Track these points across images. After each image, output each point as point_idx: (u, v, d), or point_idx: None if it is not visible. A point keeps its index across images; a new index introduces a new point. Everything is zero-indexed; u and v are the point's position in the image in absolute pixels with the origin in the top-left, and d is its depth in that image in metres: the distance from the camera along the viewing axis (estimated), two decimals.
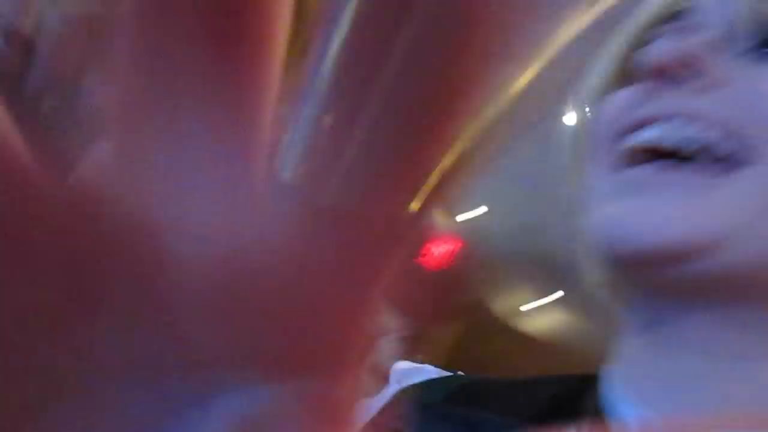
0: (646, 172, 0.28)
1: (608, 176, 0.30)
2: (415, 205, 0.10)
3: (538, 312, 5.18)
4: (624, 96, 0.31)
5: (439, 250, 3.68)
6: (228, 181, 0.10)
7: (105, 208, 0.09)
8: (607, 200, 0.29)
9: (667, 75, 0.28)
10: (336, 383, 0.11)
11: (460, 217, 4.10)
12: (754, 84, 0.28)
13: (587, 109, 0.34)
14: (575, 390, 0.33)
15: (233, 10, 0.09)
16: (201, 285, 0.10)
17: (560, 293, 4.74)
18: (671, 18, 0.31)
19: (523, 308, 5.20)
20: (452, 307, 4.22)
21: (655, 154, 0.28)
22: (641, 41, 0.32)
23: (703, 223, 0.26)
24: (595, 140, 0.31)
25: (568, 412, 0.34)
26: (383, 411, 0.38)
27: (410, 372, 0.65)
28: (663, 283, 0.27)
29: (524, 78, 0.11)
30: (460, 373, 0.66)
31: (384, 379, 0.72)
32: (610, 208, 0.28)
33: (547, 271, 4.04)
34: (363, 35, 0.10)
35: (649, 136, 0.28)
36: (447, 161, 0.10)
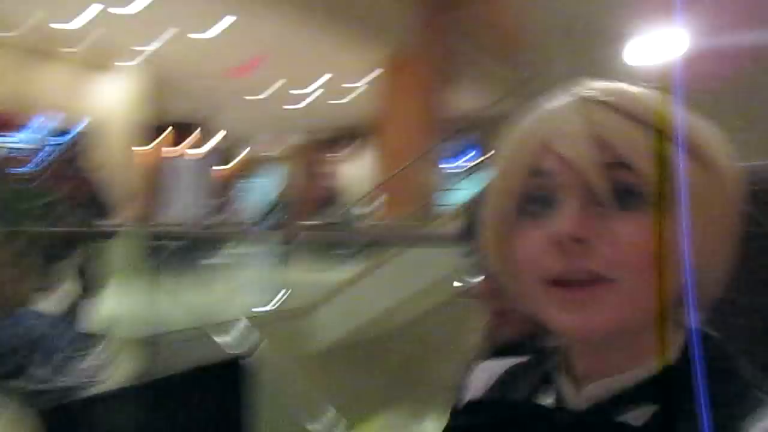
0: (578, 294, 0.49)
1: (544, 288, 0.51)
2: None
3: None
4: (538, 247, 0.50)
5: None
6: None
7: None
8: (559, 311, 0.51)
9: (565, 242, 0.48)
10: None
11: None
12: (613, 233, 0.48)
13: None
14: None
15: None
16: None
17: None
18: (540, 174, 0.50)
19: None
20: None
21: (566, 282, 0.50)
22: (521, 187, 0.52)
23: (607, 322, 0.50)
24: (526, 269, 0.52)
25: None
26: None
27: None
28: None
29: None
30: None
31: None
32: (566, 318, 0.50)
33: None
34: None
35: (570, 273, 0.50)
36: None
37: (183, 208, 10.30)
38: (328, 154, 18.25)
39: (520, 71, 7.48)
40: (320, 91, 12.20)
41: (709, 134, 0.50)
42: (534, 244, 0.50)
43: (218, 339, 4.13)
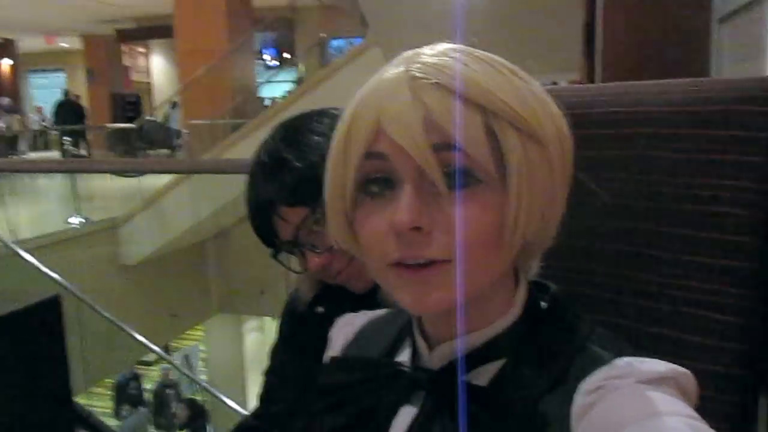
0: (419, 275, 0.48)
1: (386, 268, 0.50)
2: None
3: None
4: (379, 233, 0.49)
5: None
6: None
7: None
8: (403, 290, 0.49)
9: (405, 231, 0.47)
10: None
11: None
12: (447, 216, 0.47)
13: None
14: None
15: None
16: None
17: None
18: (375, 156, 0.48)
19: None
20: None
21: (404, 264, 0.49)
22: (360, 169, 0.50)
23: (446, 298, 0.49)
24: (370, 252, 0.51)
25: None
26: None
27: None
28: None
29: None
30: None
31: None
32: (410, 296, 0.49)
33: None
34: None
35: (411, 259, 0.48)
36: None
37: None
38: (131, 47, 16.89)
39: None
40: None
41: (539, 108, 0.49)
42: (374, 228, 0.49)
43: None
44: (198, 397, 6.90)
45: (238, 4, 9.59)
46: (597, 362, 0.50)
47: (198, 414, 6.87)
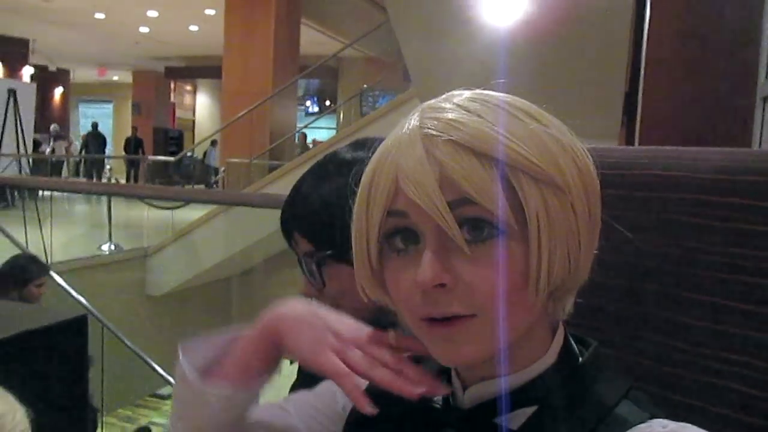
0: (447, 330, 0.49)
1: (416, 322, 0.51)
2: None
3: None
4: (406, 289, 0.50)
5: None
6: None
7: None
8: (434, 343, 0.50)
9: (429, 289, 0.48)
10: None
11: None
12: (471, 273, 0.48)
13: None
14: None
15: None
16: None
17: None
18: (396, 214, 0.49)
19: None
20: None
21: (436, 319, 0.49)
22: (382, 228, 0.51)
23: (476, 352, 0.50)
24: (401, 306, 0.52)
25: None
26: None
27: None
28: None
29: None
30: None
31: None
32: (441, 349, 0.50)
33: None
34: None
35: (437, 315, 0.49)
36: None
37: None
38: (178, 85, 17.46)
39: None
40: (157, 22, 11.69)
41: (559, 152, 0.49)
42: (402, 285, 0.50)
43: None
44: None
45: (285, 51, 9.89)
46: (631, 420, 0.49)
47: None
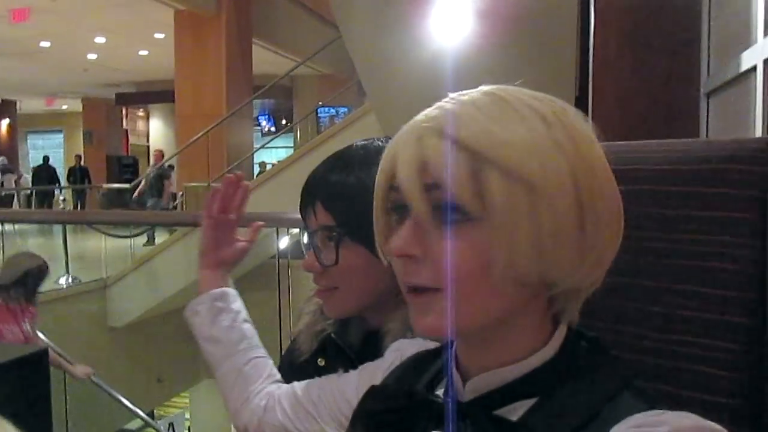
0: (419, 299, 0.54)
1: (407, 294, 0.55)
2: None
3: None
4: (395, 259, 0.55)
5: None
6: None
7: None
8: (411, 312, 0.55)
9: (403, 257, 0.54)
10: None
11: None
12: (436, 250, 0.52)
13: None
14: None
15: None
16: None
17: None
18: (394, 189, 0.55)
19: None
20: None
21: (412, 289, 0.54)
22: (388, 195, 0.57)
23: (436, 324, 0.53)
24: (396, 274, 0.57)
25: None
26: None
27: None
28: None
29: None
30: None
31: None
32: (413, 318, 0.55)
33: None
34: None
35: (409, 284, 0.54)
36: None
37: None
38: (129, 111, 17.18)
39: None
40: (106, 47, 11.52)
41: (547, 153, 0.51)
42: (392, 252, 0.55)
43: None
44: None
45: (237, 71, 9.84)
46: (632, 409, 0.50)
47: None
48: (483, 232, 0.50)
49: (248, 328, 0.95)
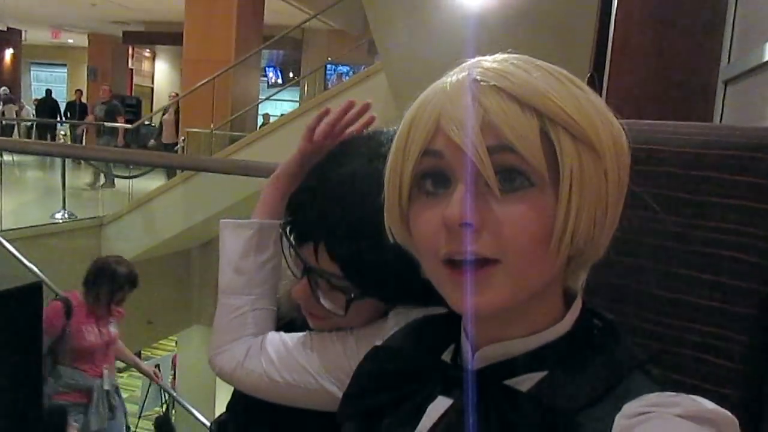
0: (465, 277, 0.49)
1: (439, 267, 0.50)
2: None
3: None
4: (432, 227, 0.50)
5: None
6: None
7: None
8: (452, 290, 0.50)
9: (452, 226, 0.48)
10: None
11: None
12: (499, 217, 0.48)
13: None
14: None
15: None
16: None
17: None
18: (433, 154, 0.50)
19: None
20: None
21: (456, 262, 0.50)
22: (417, 167, 0.51)
23: (495, 300, 0.50)
24: (423, 247, 0.52)
25: None
26: None
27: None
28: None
29: None
30: None
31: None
32: (459, 296, 0.50)
33: None
34: None
35: (459, 254, 0.49)
36: None
37: None
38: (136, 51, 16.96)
39: None
40: None
41: (597, 118, 0.50)
42: (428, 223, 0.51)
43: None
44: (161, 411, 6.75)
45: (248, 19, 9.68)
46: (643, 389, 0.50)
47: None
48: (548, 198, 0.48)
49: (274, 273, 0.86)
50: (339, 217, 0.70)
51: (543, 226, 0.49)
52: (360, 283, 0.71)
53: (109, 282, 3.17)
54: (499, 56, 0.53)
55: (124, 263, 3.30)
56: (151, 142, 9.18)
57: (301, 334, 0.81)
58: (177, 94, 10.41)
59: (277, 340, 0.82)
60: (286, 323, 0.87)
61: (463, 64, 0.53)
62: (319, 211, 0.72)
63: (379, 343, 0.68)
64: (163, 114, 9.38)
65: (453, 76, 0.52)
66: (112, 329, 3.29)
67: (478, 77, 0.50)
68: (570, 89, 0.50)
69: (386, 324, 0.73)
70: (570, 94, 0.50)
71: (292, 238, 0.75)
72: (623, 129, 0.53)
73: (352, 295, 0.72)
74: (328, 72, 12.48)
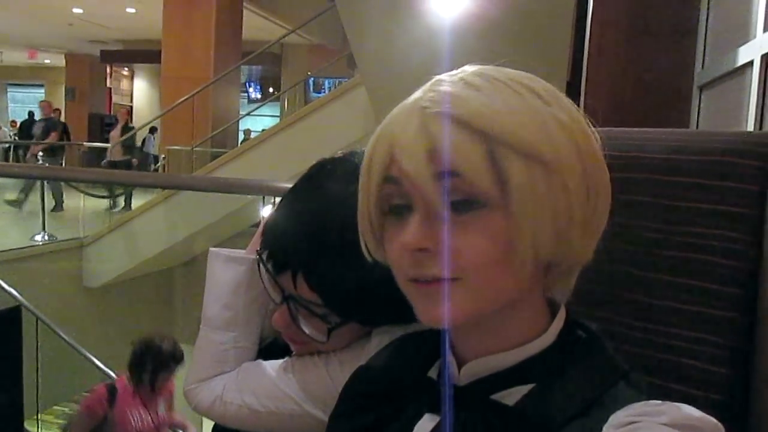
0: (429, 289, 0.51)
1: (406, 284, 0.52)
2: None
3: None
4: (397, 251, 0.52)
5: None
6: None
7: None
8: (419, 302, 0.52)
9: (414, 251, 0.50)
10: None
11: None
12: (455, 240, 0.49)
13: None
14: None
15: None
16: None
17: None
18: (391, 180, 0.51)
19: None
20: None
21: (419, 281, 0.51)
22: (380, 193, 0.53)
23: (457, 314, 0.50)
24: (393, 266, 0.54)
25: None
26: None
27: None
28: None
29: None
30: None
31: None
32: (423, 308, 0.52)
33: None
34: None
35: (421, 276, 0.51)
36: None
37: None
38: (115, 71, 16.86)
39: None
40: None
41: (556, 130, 0.50)
42: (394, 248, 0.52)
43: None
44: None
45: (227, 36, 9.67)
46: (630, 398, 0.50)
47: None
48: (501, 217, 0.49)
49: (261, 311, 0.83)
50: (316, 246, 0.68)
51: (498, 244, 0.49)
52: (341, 310, 0.70)
53: (153, 361, 2.98)
54: (458, 73, 0.53)
55: (168, 340, 3.09)
56: (104, 161, 9.06)
57: (281, 360, 0.79)
58: (129, 111, 10.26)
59: (256, 369, 0.80)
60: (269, 343, 0.85)
61: (425, 84, 0.54)
62: (296, 241, 0.70)
63: (363, 362, 0.67)
64: (110, 130, 9.27)
65: (409, 99, 0.53)
66: (161, 410, 3.09)
67: (426, 104, 0.51)
68: (528, 102, 0.50)
69: (369, 343, 0.72)
70: (527, 108, 0.50)
71: (269, 266, 0.73)
72: (598, 137, 0.53)
73: (334, 323, 0.70)
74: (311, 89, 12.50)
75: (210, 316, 0.82)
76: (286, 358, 0.80)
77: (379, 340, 0.71)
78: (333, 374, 0.73)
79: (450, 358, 0.58)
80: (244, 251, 0.83)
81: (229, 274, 0.81)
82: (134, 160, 9.11)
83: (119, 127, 9.41)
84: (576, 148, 0.50)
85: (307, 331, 0.72)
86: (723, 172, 0.61)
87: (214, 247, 0.87)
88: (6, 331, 1.48)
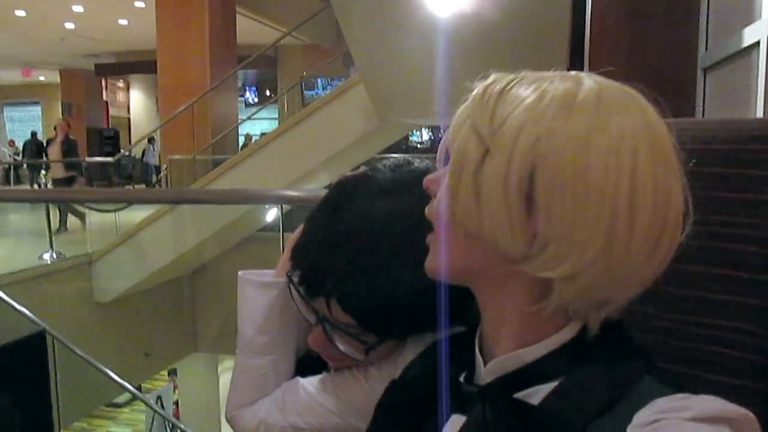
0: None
1: None
2: None
3: None
4: None
5: None
6: None
7: None
8: None
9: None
10: None
11: None
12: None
13: None
14: None
15: None
16: None
17: None
18: None
19: None
20: None
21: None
22: None
23: (430, 264, 0.57)
24: None
25: None
26: None
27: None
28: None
29: None
30: None
31: None
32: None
33: None
34: None
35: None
36: None
37: None
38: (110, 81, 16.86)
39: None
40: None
41: (515, 122, 0.51)
42: None
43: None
44: None
45: (221, 42, 9.67)
46: (654, 394, 0.50)
47: None
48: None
49: (297, 331, 0.82)
50: (349, 270, 0.67)
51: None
52: (377, 331, 0.70)
53: None
54: (518, 77, 0.55)
55: None
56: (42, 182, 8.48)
57: (318, 377, 0.80)
58: (68, 123, 9.27)
59: (296, 388, 0.80)
60: (303, 355, 0.85)
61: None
62: (328, 266, 0.69)
63: (399, 371, 0.69)
64: (47, 146, 8.47)
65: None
66: None
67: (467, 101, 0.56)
68: (551, 118, 0.51)
69: (405, 353, 0.72)
70: (517, 101, 0.53)
71: (302, 290, 0.72)
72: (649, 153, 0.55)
73: (371, 343, 0.70)
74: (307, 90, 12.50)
75: (246, 341, 0.82)
76: (323, 374, 0.80)
77: (413, 348, 0.71)
78: (374, 386, 0.74)
79: (478, 357, 0.59)
80: (272, 272, 0.82)
81: (261, 299, 0.80)
82: (81, 179, 8.27)
83: (58, 141, 8.46)
84: (530, 139, 0.51)
85: (344, 350, 0.72)
86: (753, 159, 0.61)
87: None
88: (33, 356, 1.49)
